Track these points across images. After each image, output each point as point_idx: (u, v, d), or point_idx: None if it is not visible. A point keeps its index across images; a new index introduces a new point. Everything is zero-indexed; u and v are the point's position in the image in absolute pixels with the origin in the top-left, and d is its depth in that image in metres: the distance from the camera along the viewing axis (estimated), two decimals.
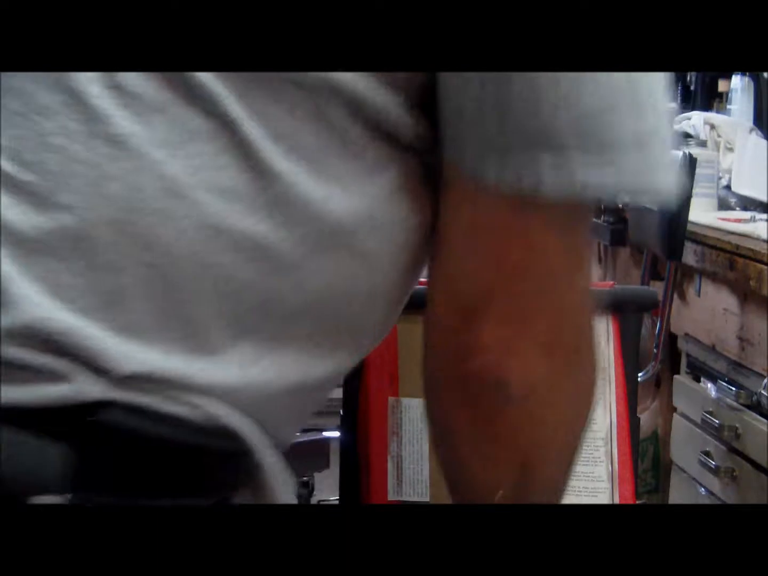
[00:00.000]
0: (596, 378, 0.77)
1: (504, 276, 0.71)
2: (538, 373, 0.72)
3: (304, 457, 3.05)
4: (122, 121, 0.68)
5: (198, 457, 0.74)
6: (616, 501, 1.24)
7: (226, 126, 0.69)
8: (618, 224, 2.37)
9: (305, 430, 2.75)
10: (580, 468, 1.25)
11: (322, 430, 2.40)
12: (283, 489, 0.78)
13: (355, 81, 0.71)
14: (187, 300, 0.70)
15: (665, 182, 0.71)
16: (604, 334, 1.30)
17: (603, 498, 1.23)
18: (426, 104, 0.73)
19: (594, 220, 0.83)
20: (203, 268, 0.69)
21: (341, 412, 1.27)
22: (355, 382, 1.25)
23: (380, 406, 1.23)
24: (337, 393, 1.26)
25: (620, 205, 2.37)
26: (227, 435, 0.73)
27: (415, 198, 0.74)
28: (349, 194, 0.71)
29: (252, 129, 0.69)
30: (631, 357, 1.30)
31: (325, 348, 0.75)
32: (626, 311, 1.30)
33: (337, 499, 1.35)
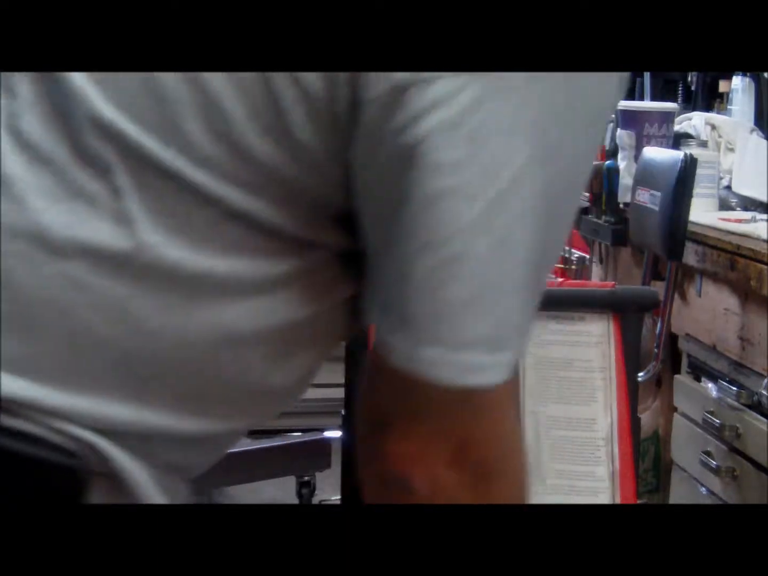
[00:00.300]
0: (523, 479, 0.81)
1: (403, 405, 0.75)
2: (444, 482, 0.76)
3: (306, 457, 3.05)
4: (13, 164, 0.72)
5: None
6: (617, 501, 1.24)
7: (110, 193, 0.72)
8: (619, 224, 2.37)
9: (306, 430, 2.75)
10: (581, 468, 1.25)
11: (323, 430, 2.40)
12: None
13: (249, 202, 0.73)
14: (44, 341, 0.73)
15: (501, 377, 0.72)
16: (605, 334, 1.30)
17: (604, 498, 1.23)
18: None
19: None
20: (61, 317, 0.72)
21: (343, 412, 1.27)
22: (357, 381, 1.25)
23: None
24: (339, 393, 1.26)
25: (621, 205, 2.37)
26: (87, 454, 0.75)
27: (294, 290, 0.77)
28: (223, 275, 0.74)
29: (133, 201, 0.72)
30: (632, 357, 1.31)
31: (199, 407, 0.78)
32: (627, 311, 1.31)
33: (338, 499, 1.35)
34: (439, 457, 0.75)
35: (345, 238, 0.77)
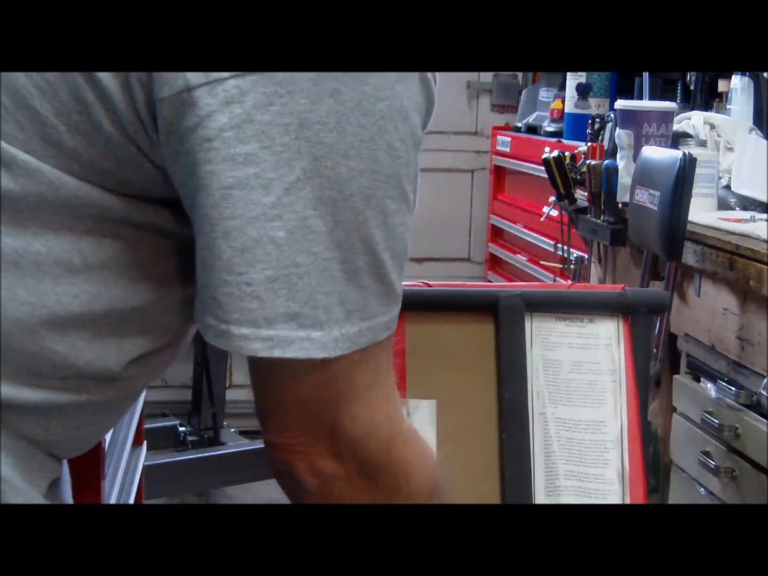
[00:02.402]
0: (419, 477, 0.87)
1: (268, 395, 0.83)
2: (328, 473, 0.83)
3: None
4: None
5: None
6: (627, 503, 1.24)
7: None
8: (618, 224, 2.37)
9: None
10: (590, 470, 1.25)
11: None
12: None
13: None
14: None
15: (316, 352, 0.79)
16: (615, 337, 1.29)
17: (613, 500, 1.23)
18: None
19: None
20: None
21: None
22: None
23: None
24: None
25: (619, 205, 2.37)
26: None
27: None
28: (43, 254, 0.79)
29: None
30: (642, 359, 1.30)
31: (34, 381, 0.82)
32: (637, 314, 1.30)
33: None
34: (315, 447, 0.82)
35: (175, 223, 0.82)
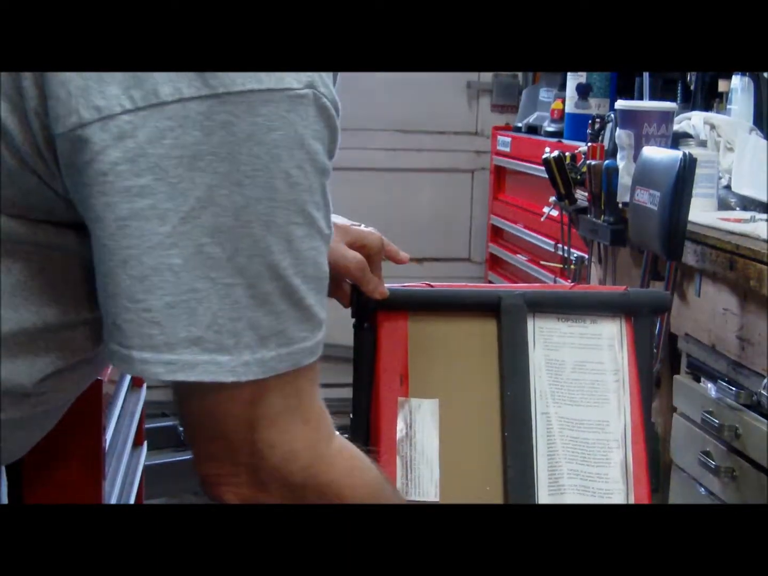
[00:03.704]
0: (355, 501, 0.88)
1: (186, 423, 0.86)
2: (259, 500, 0.85)
3: None
4: None
5: None
6: (632, 502, 1.23)
7: None
8: (618, 224, 2.37)
9: None
10: (593, 469, 1.24)
11: None
12: None
13: None
14: None
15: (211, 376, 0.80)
16: (618, 337, 1.29)
17: (617, 499, 1.23)
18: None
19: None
20: None
21: (351, 413, 1.27)
22: (365, 382, 1.25)
23: (390, 406, 1.24)
24: (347, 393, 1.26)
25: (620, 205, 2.37)
26: None
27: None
28: None
29: None
30: (645, 360, 1.30)
31: None
32: (640, 314, 1.30)
33: None
34: (240, 477, 0.84)
35: (83, 245, 0.82)
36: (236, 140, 0.76)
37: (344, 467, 0.88)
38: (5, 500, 0.92)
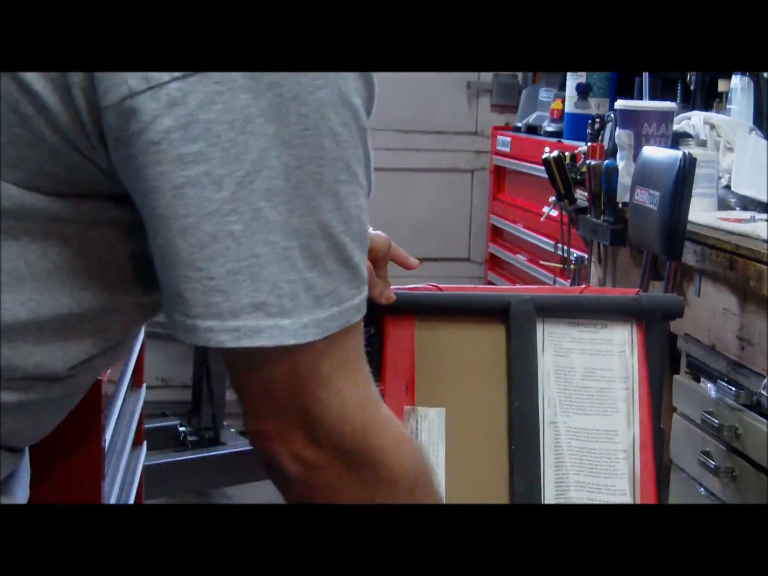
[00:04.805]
0: (404, 486, 0.87)
1: (242, 385, 0.85)
2: (310, 463, 0.84)
3: None
4: None
5: None
6: None
7: None
8: (618, 224, 2.37)
9: None
10: (601, 480, 1.23)
11: None
12: None
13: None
14: None
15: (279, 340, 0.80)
16: (628, 343, 1.27)
17: None
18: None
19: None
20: None
21: None
22: None
23: (396, 414, 1.23)
24: None
25: (620, 205, 2.37)
26: None
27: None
28: None
29: None
30: (656, 366, 1.27)
31: None
32: (651, 319, 1.28)
33: None
34: (293, 433, 0.84)
35: (123, 217, 0.83)
36: (283, 101, 0.77)
37: (393, 435, 0.88)
38: (24, 491, 0.92)
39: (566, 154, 2.61)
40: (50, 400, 0.88)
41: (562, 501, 1.21)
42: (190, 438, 3.50)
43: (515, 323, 1.25)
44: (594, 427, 1.24)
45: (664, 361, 1.34)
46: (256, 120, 0.76)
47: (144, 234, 0.82)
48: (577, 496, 1.22)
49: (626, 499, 1.23)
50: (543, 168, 2.65)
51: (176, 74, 0.75)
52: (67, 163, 0.80)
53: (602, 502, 1.22)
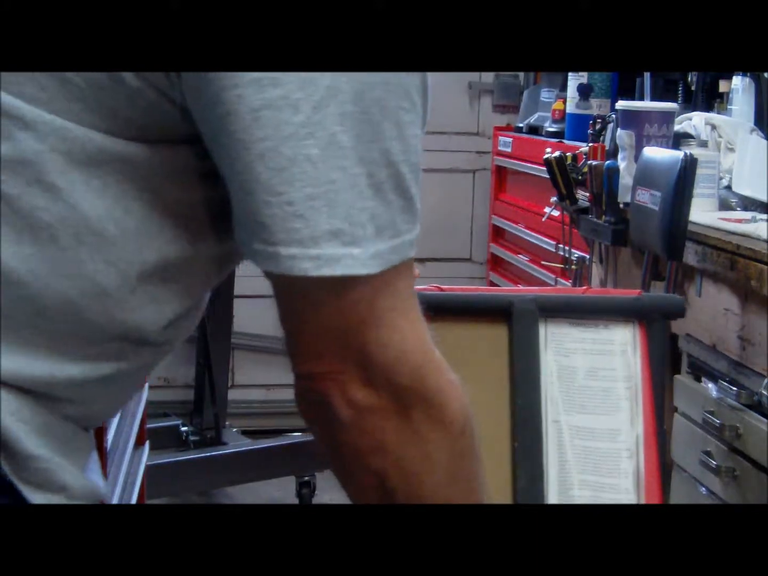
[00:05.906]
0: (455, 429, 0.85)
1: (299, 321, 0.83)
2: (363, 403, 0.82)
3: (306, 457, 3.05)
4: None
5: None
6: None
7: None
8: (619, 224, 2.37)
9: (307, 430, 2.75)
10: (605, 479, 1.23)
11: None
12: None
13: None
14: None
15: (357, 268, 0.79)
16: (630, 343, 1.28)
17: None
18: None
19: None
20: None
21: None
22: None
23: None
24: None
25: (621, 205, 2.37)
26: None
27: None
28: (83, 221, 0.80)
29: None
30: (658, 366, 1.28)
31: (74, 352, 0.83)
32: (653, 319, 1.28)
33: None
34: (348, 374, 0.81)
35: (198, 161, 0.82)
36: None
37: (448, 377, 0.85)
38: (100, 473, 0.90)
39: (567, 154, 2.61)
40: (135, 372, 0.88)
41: (565, 499, 1.22)
42: (192, 438, 3.50)
43: (518, 323, 1.25)
44: (597, 426, 1.25)
45: (666, 360, 1.34)
46: None
47: (216, 181, 0.81)
48: (581, 494, 1.22)
49: (630, 497, 1.23)
50: (544, 168, 2.65)
51: None
52: (142, 104, 0.79)
53: (606, 501, 1.22)
